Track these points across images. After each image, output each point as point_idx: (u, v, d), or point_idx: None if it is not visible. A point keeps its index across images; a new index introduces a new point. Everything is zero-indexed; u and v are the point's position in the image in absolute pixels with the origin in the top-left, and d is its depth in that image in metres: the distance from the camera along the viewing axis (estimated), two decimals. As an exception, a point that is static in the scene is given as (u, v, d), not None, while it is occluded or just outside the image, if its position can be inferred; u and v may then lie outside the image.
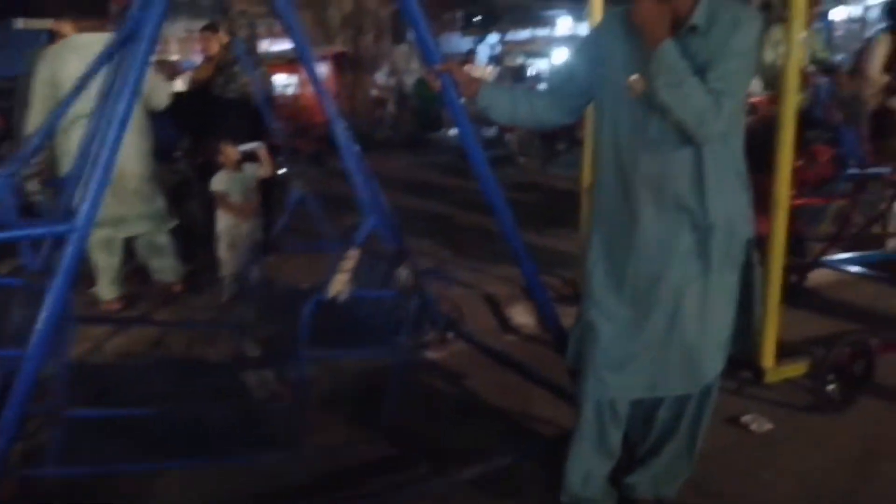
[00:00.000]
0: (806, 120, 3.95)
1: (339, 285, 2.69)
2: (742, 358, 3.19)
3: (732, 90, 2.01)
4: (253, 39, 5.88)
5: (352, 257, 2.73)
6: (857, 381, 3.21)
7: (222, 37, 5.23)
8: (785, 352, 3.11)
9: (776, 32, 4.59)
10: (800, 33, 2.86)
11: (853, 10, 16.21)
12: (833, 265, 4.54)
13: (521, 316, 4.23)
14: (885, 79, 4.63)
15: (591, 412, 2.31)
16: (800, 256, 4.18)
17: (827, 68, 5.17)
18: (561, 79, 2.42)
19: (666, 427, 2.39)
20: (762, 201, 3.50)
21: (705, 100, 1.97)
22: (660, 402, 2.36)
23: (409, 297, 2.83)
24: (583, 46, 2.41)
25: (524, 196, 7.03)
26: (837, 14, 15.14)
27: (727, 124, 2.05)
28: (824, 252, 4.23)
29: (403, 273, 2.82)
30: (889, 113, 4.42)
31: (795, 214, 3.63)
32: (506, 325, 4.20)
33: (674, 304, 2.17)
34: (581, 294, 2.45)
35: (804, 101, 4.21)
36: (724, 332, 2.25)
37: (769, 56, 4.81)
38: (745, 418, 3.10)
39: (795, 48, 2.85)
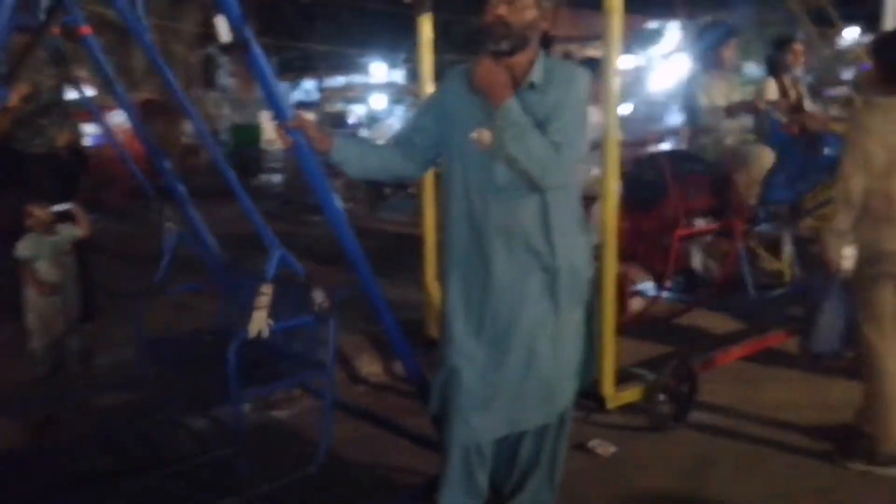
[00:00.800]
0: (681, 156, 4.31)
1: (259, 322, 2.67)
2: (585, 388, 3.41)
3: (571, 141, 2.18)
4: (62, 88, 5.43)
5: (266, 292, 2.71)
6: (686, 399, 3.52)
7: (22, 87, 4.79)
8: (622, 379, 3.35)
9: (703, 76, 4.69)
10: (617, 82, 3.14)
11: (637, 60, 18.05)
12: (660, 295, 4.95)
13: (370, 365, 4.20)
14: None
15: (458, 457, 2.35)
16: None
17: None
18: (409, 133, 2.48)
19: (529, 461, 2.50)
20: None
21: (548, 151, 2.13)
22: (521, 439, 2.48)
23: (327, 319, 2.78)
24: (429, 103, 2.52)
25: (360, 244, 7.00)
26: (625, 62, 16.79)
27: (567, 173, 2.22)
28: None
29: (319, 296, 2.77)
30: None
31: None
32: (355, 375, 4.15)
33: (529, 343, 2.30)
34: (436, 339, 2.51)
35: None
36: (574, 364, 2.43)
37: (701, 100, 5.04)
38: (592, 443, 3.30)
39: (613, 98, 3.12)
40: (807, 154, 4.31)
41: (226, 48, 2.27)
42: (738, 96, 4.74)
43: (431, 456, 2.69)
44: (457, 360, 2.33)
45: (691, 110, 4.68)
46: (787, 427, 3.46)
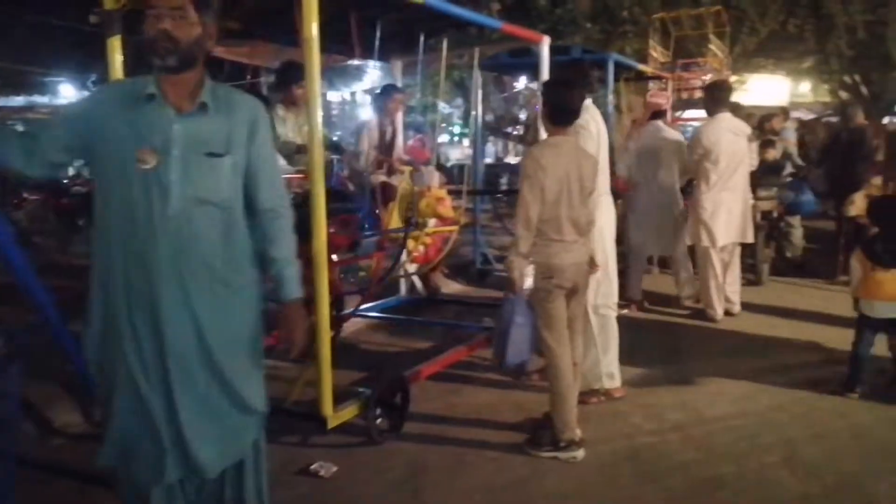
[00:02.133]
0: (333, 193, 4.49)
1: None
2: (305, 411, 3.43)
3: (269, 168, 2.22)
4: None
5: None
6: (399, 411, 3.70)
7: None
8: (340, 398, 3.42)
9: (279, 109, 4.93)
10: (318, 114, 3.23)
11: (345, 94, 18.61)
12: (363, 315, 5.17)
13: (66, 415, 3.76)
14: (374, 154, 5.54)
15: None
16: (338, 311, 4.63)
17: (334, 146, 5.88)
18: (38, 131, 2.13)
19: (236, 500, 2.35)
20: (306, 267, 3.84)
21: (230, 173, 2.11)
22: (222, 482, 2.31)
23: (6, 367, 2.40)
24: (84, 106, 2.25)
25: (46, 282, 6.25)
26: (333, 96, 17.23)
27: (238, 191, 2.17)
28: (358, 304, 4.76)
29: None
30: (386, 185, 5.26)
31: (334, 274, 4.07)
32: (50, 428, 3.68)
33: (209, 377, 2.15)
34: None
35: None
36: (260, 393, 2.31)
37: (280, 131, 5.19)
38: (314, 466, 3.32)
39: (316, 129, 3.21)
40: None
41: None
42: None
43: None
44: (126, 408, 2.11)
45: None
46: (488, 427, 3.82)
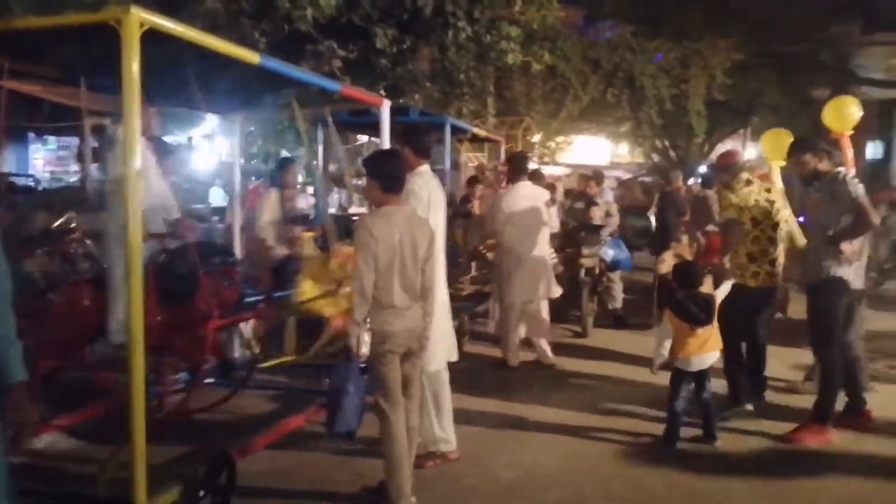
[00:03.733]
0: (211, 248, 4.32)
1: None
2: (115, 497, 3.08)
3: None
4: None
5: None
6: (225, 490, 3.42)
7: None
8: (160, 480, 3.10)
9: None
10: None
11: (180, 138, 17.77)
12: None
13: None
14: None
15: None
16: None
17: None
18: None
19: None
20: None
21: None
22: None
23: None
24: None
25: None
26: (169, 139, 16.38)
27: None
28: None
29: None
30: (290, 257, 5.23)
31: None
32: None
33: None
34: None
35: None
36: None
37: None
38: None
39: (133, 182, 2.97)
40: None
41: None
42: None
43: None
44: None
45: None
46: (323, 498, 3.65)
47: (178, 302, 3.73)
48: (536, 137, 14.67)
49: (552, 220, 7.00)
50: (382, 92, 9.04)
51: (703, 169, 17.36)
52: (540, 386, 5.78)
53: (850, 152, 5.28)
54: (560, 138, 16.21)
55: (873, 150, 21.14)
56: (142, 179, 3.91)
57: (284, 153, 10.83)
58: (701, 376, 4.51)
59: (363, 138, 14.08)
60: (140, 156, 3.45)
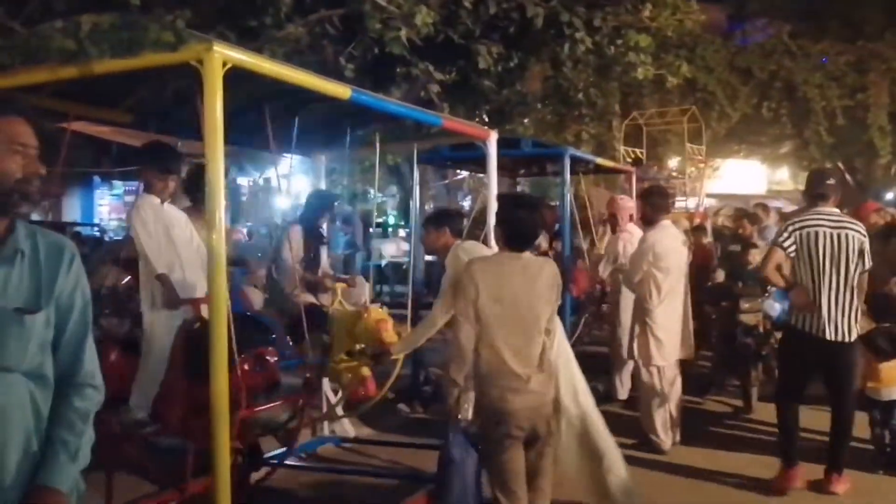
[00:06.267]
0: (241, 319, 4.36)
1: None
2: None
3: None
4: None
5: None
6: None
7: None
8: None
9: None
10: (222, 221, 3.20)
11: (258, 179, 18.66)
12: (276, 463, 4.95)
13: None
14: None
15: None
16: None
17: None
18: None
19: None
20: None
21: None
22: None
23: None
24: None
25: None
26: (242, 180, 17.23)
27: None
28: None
29: None
30: (314, 308, 5.20)
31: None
32: None
33: None
34: None
35: None
36: None
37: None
38: None
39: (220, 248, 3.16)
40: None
41: None
42: None
43: None
44: None
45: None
46: None
47: (202, 381, 3.52)
48: (674, 162, 14.46)
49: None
50: (485, 117, 9.19)
51: (891, 195, 16.53)
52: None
53: None
54: (702, 164, 15.89)
55: None
56: (172, 244, 4.16)
57: (374, 192, 11.13)
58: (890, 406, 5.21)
59: (463, 173, 14.31)
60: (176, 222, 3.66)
